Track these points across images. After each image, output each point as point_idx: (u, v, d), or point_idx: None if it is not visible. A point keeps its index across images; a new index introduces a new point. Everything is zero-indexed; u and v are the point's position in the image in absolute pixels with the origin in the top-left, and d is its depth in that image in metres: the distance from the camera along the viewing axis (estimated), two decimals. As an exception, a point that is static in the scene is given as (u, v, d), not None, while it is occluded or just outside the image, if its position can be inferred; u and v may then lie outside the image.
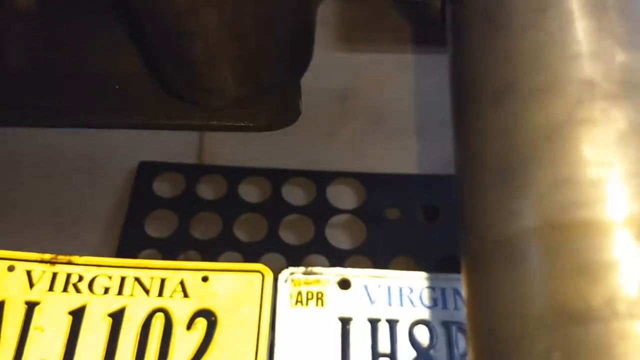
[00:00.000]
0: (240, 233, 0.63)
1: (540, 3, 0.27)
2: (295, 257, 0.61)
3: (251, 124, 0.57)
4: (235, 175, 0.65)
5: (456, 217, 0.30)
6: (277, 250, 0.61)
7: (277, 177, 0.65)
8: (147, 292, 0.51)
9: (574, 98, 0.25)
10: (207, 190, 0.66)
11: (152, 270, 0.52)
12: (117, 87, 0.54)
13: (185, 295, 0.51)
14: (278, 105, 0.53)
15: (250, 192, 0.65)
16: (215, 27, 0.33)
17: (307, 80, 0.69)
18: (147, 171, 0.66)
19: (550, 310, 0.22)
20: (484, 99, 0.27)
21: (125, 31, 0.50)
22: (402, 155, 0.68)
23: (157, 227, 0.63)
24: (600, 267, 0.22)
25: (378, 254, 0.60)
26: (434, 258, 0.60)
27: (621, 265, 0.22)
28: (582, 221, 0.23)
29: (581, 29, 0.26)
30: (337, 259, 0.60)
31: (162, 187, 0.66)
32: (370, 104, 0.70)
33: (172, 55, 0.37)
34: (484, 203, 0.27)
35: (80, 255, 0.53)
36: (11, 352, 0.49)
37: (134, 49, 0.52)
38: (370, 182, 0.65)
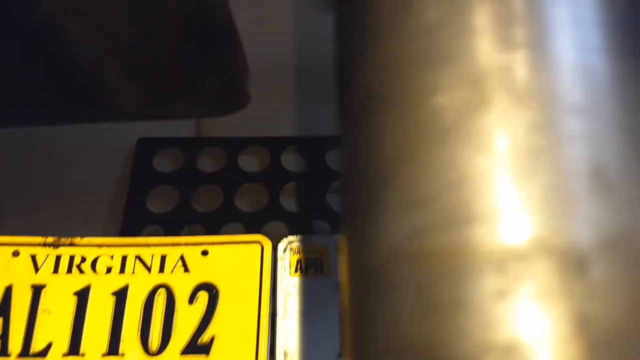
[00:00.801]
0: (242, 203, 0.63)
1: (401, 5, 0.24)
2: (298, 224, 0.61)
3: (201, 112, 0.56)
4: (234, 146, 0.65)
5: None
6: (279, 218, 0.61)
7: (275, 145, 0.65)
8: (148, 269, 0.52)
9: (434, 106, 0.22)
10: (206, 163, 0.66)
11: (152, 247, 0.53)
12: None
13: (186, 270, 0.51)
14: (228, 93, 0.52)
15: (249, 162, 0.65)
16: (85, 35, 0.31)
17: (300, 44, 0.68)
18: (146, 147, 0.66)
19: (391, 349, 0.20)
20: (353, 109, 0.25)
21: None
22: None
23: (159, 202, 0.64)
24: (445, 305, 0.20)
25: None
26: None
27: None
28: (435, 248, 0.21)
29: (443, 31, 0.23)
30: (339, 224, 0.60)
31: (162, 163, 0.66)
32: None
33: (58, 61, 0.35)
34: (351, 222, 0.24)
35: (85, 235, 0.54)
36: (21, 335, 0.50)
37: None
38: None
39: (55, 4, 0.30)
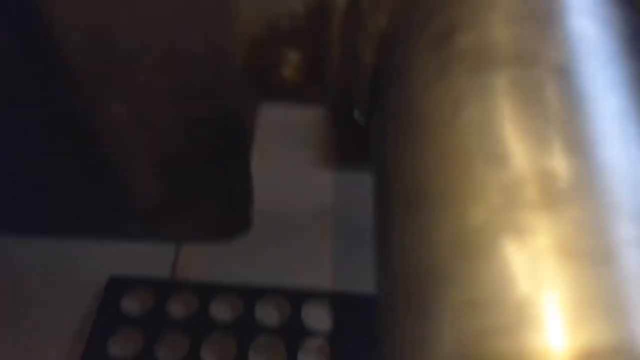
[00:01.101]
0: (208, 355, 0.60)
1: (455, 104, 0.25)
2: (265, 383, 0.57)
3: (199, 236, 0.54)
4: (207, 292, 0.63)
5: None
6: (245, 375, 0.58)
7: (250, 295, 0.63)
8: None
9: (490, 205, 0.22)
10: (177, 308, 0.63)
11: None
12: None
13: None
14: (224, 216, 0.51)
15: (221, 310, 0.63)
16: (125, 122, 0.31)
17: (285, 198, 0.68)
18: (117, 286, 0.63)
19: None
20: (396, 205, 0.25)
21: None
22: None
23: (121, 346, 0.60)
24: None
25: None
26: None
27: None
28: (502, 351, 0.20)
29: (502, 130, 0.23)
30: (308, 386, 0.57)
31: (131, 304, 0.63)
32: (351, 223, 0.69)
33: (89, 154, 0.34)
34: (394, 331, 0.23)
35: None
36: None
37: None
38: (344, 304, 0.62)
39: (93, 86, 0.29)
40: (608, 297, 0.20)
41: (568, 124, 0.23)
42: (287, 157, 0.70)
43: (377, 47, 0.30)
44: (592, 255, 0.21)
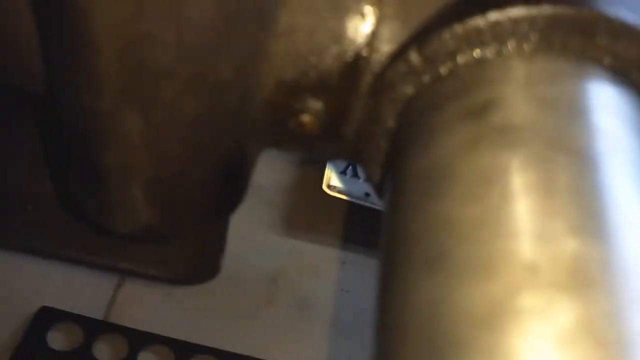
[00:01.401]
0: (127, 407, 0.56)
1: (484, 176, 0.25)
2: None
3: (162, 275, 0.52)
4: (138, 339, 0.60)
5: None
6: None
7: (183, 349, 0.60)
8: None
9: (513, 281, 0.22)
10: (104, 351, 0.60)
11: None
12: (30, 208, 0.50)
13: None
14: (195, 257, 0.49)
15: (150, 360, 0.60)
16: (137, 136, 0.29)
17: (238, 257, 0.67)
18: (46, 317, 0.60)
19: None
20: (413, 267, 0.24)
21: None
22: (323, 351, 0.65)
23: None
24: None
25: None
26: None
27: None
28: None
29: (526, 206, 0.24)
30: None
31: (58, 338, 0.60)
32: (300, 292, 0.68)
33: (81, 163, 0.32)
34: None
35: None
36: None
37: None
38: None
39: (114, 94, 0.28)
40: None
41: (594, 208, 0.24)
42: (247, 217, 0.69)
43: (400, 113, 0.30)
44: (619, 342, 0.20)
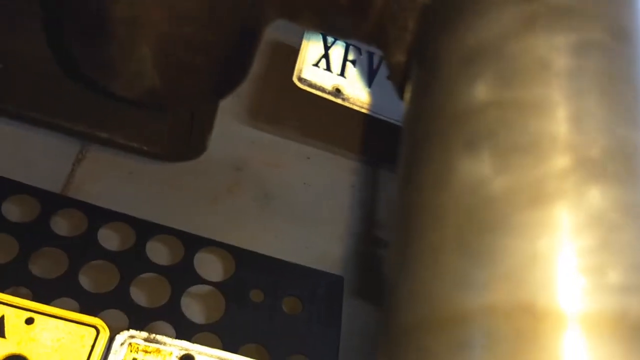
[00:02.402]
0: (86, 280, 0.56)
1: (538, 60, 0.24)
2: (141, 319, 0.55)
3: (145, 147, 0.49)
4: (98, 215, 0.59)
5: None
6: (122, 307, 0.55)
7: (144, 229, 0.60)
8: (-46, 321, 0.44)
9: (564, 164, 0.22)
10: (62, 225, 0.59)
11: (-31, 297, 0.45)
12: (1, 66, 0.46)
13: (1, 335, 0.44)
14: (182, 134, 0.47)
15: (110, 237, 0.59)
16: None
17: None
18: (1, 188, 0.58)
19: None
20: (456, 147, 0.24)
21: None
22: (280, 239, 0.66)
23: (-7, 251, 0.55)
24: None
25: (230, 334, 0.56)
26: (287, 353, 0.56)
27: None
28: (550, 311, 0.19)
29: (579, 94, 0.23)
30: (186, 331, 0.55)
31: (13, 210, 0.58)
32: (262, 182, 0.68)
33: (88, 14, 0.30)
34: (434, 270, 0.22)
35: None
36: None
37: (32, 27, 0.45)
38: (242, 258, 0.61)
39: None
40: None
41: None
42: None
43: None
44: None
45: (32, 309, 0.46)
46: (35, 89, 0.46)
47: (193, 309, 0.57)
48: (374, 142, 0.70)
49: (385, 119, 0.63)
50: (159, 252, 0.60)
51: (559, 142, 0.22)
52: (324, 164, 0.70)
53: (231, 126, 0.69)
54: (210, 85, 0.35)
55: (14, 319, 0.45)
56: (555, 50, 0.24)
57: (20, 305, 0.45)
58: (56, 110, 0.46)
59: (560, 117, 0.23)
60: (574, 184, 0.21)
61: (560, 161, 0.22)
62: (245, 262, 0.61)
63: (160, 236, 0.60)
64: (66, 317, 0.46)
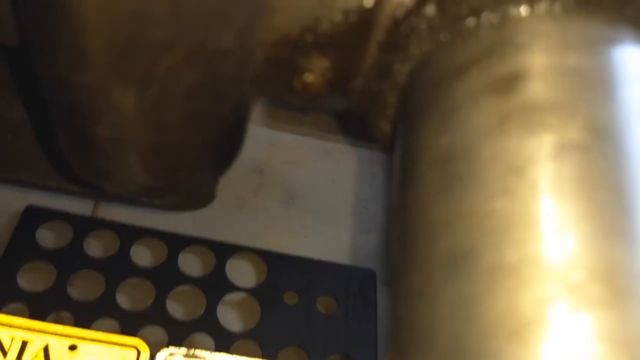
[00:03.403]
0: (123, 299, 0.58)
1: (513, 165, 0.22)
2: (180, 333, 0.56)
3: (157, 202, 0.51)
4: (129, 233, 0.61)
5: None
6: (160, 323, 0.56)
7: (175, 242, 0.61)
8: (4, 353, 0.45)
9: (543, 293, 0.20)
10: (95, 247, 0.60)
11: (13, 329, 0.46)
12: (9, 137, 0.47)
13: (47, 363, 0.45)
14: (191, 190, 0.48)
15: (142, 254, 0.61)
16: (130, 110, 0.27)
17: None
18: (33, 216, 0.60)
19: None
20: (436, 262, 0.23)
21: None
22: (309, 238, 0.66)
23: (32, 279, 0.57)
24: None
25: (268, 340, 0.57)
26: (326, 353, 0.57)
27: None
28: None
29: (558, 204, 0.21)
30: (224, 340, 0.56)
31: (47, 236, 0.60)
32: (285, 183, 0.68)
33: (72, 130, 0.31)
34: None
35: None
36: None
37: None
38: (272, 262, 0.61)
39: (104, 70, 0.25)
40: None
41: (631, 206, 0.21)
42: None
43: (413, 70, 0.28)
44: None
45: (74, 335, 0.47)
46: (45, 157, 0.47)
47: (229, 317, 0.58)
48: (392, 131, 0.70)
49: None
50: (191, 263, 0.61)
51: (541, 264, 0.21)
52: (345, 157, 0.71)
53: (249, 130, 0.70)
54: (203, 175, 0.35)
55: (58, 346, 0.46)
56: (530, 156, 0.22)
57: (62, 333, 0.47)
58: (68, 176, 0.47)
59: (540, 236, 0.21)
60: (560, 312, 0.20)
61: (545, 286, 0.20)
62: (277, 264, 0.61)
63: (191, 247, 0.61)
64: (107, 340, 0.47)
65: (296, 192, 0.68)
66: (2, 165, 0.47)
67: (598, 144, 0.22)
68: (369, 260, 0.64)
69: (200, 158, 0.33)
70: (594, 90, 0.24)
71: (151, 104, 0.28)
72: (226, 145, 0.34)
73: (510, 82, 0.24)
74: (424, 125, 0.26)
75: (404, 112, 0.29)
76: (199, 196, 0.49)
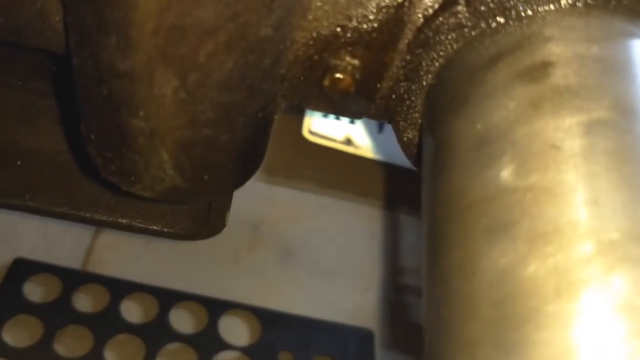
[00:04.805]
0: (112, 356, 0.55)
1: (548, 142, 0.24)
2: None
3: (165, 229, 0.49)
4: (119, 288, 0.59)
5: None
6: (149, 382, 0.54)
7: (166, 297, 0.59)
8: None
9: (585, 252, 0.21)
10: (84, 301, 0.58)
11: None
12: (18, 163, 0.47)
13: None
14: (201, 213, 0.47)
15: (133, 309, 0.59)
16: (169, 98, 0.28)
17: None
18: (22, 269, 0.58)
19: None
20: (476, 237, 0.24)
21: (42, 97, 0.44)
22: (306, 295, 0.64)
23: (18, 334, 0.55)
24: None
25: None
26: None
27: None
28: None
29: (593, 175, 0.23)
30: (216, 402, 0.53)
31: (35, 290, 0.58)
32: (282, 239, 0.67)
33: (105, 125, 0.31)
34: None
35: None
36: None
37: (46, 122, 0.46)
38: (267, 319, 0.60)
39: (150, 54, 0.26)
40: None
41: None
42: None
43: (441, 70, 0.29)
44: None
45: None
46: (53, 183, 0.47)
47: (222, 377, 0.56)
48: (390, 188, 0.69)
49: (399, 164, 0.62)
50: (183, 319, 0.59)
51: (579, 229, 0.22)
52: (342, 213, 0.70)
53: (247, 185, 0.69)
54: (229, 179, 0.35)
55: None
56: (564, 133, 0.24)
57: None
58: (75, 202, 0.46)
59: (578, 202, 0.22)
60: (598, 270, 0.21)
61: (583, 248, 0.21)
62: (272, 322, 0.59)
63: (183, 303, 0.59)
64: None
65: (293, 249, 0.67)
66: (11, 191, 0.46)
67: (625, 120, 0.24)
68: (366, 319, 0.62)
69: (226, 159, 0.33)
70: (617, 75, 0.25)
71: (189, 93, 0.28)
72: (250, 150, 0.34)
73: (541, 70, 0.25)
74: (457, 116, 0.27)
75: (431, 112, 0.30)
76: (209, 222, 0.48)
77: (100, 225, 0.53)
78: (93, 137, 0.33)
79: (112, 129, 0.31)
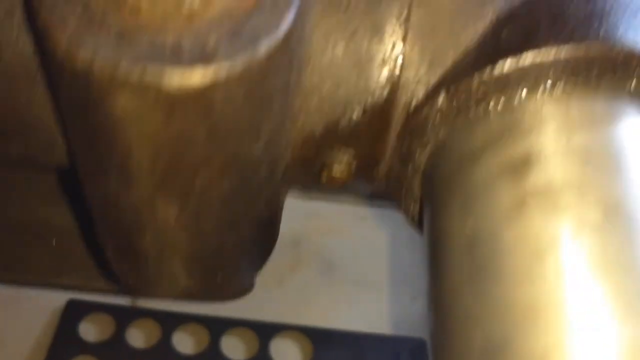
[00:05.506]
0: (169, 389, 0.56)
1: (535, 249, 0.23)
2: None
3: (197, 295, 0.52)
4: (169, 321, 0.60)
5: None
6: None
7: (216, 326, 0.60)
8: None
9: None
10: (137, 337, 0.60)
11: None
12: (54, 241, 0.49)
13: None
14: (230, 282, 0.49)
15: (184, 341, 0.60)
16: (173, 221, 0.30)
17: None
18: (75, 310, 0.60)
19: None
20: (474, 354, 0.23)
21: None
22: (354, 309, 0.64)
23: (77, 375, 0.57)
24: None
25: None
26: None
27: None
28: None
29: (582, 287, 0.22)
30: None
31: (89, 330, 0.60)
32: (323, 254, 0.67)
33: (118, 243, 0.33)
34: None
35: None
36: None
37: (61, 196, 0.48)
38: (318, 338, 0.60)
39: (150, 188, 0.28)
40: None
41: None
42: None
43: (432, 155, 0.29)
44: None
45: None
46: (86, 263, 0.49)
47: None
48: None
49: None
50: (234, 346, 0.60)
51: (569, 352, 0.22)
52: (382, 222, 0.69)
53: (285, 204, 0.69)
54: (243, 270, 0.38)
55: None
56: (549, 240, 0.23)
57: None
58: (93, 277, 0.48)
59: (565, 321, 0.22)
60: None
61: None
62: (323, 341, 0.59)
63: (233, 330, 0.60)
64: None
65: (335, 263, 0.67)
66: (47, 270, 0.48)
67: (612, 222, 0.23)
68: (416, 328, 0.62)
69: (237, 258, 0.35)
70: (602, 168, 0.25)
71: (190, 214, 0.30)
72: (260, 243, 0.36)
73: (523, 165, 0.25)
74: (447, 208, 0.27)
75: (427, 195, 0.30)
76: (237, 288, 0.49)
77: (128, 295, 0.55)
78: (109, 252, 0.35)
79: (125, 247, 0.33)
